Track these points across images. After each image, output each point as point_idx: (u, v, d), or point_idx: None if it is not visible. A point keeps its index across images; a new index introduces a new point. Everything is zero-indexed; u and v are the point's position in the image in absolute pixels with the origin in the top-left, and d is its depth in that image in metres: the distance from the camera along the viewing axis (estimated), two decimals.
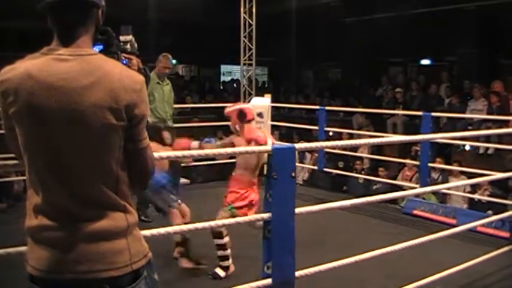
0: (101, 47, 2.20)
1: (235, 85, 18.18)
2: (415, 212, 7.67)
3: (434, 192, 8.62)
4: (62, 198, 1.98)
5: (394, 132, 12.51)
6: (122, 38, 2.36)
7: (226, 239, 5.05)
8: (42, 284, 1.99)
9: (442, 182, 9.30)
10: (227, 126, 12.02)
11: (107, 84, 1.96)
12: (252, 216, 3.50)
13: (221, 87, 21.03)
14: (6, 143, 2.12)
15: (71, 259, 1.96)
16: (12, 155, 2.16)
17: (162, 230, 3.16)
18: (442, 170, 9.69)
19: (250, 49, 11.56)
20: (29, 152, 1.99)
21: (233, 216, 4.83)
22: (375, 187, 10.28)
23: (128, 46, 2.40)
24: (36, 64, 1.95)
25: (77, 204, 1.98)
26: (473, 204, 8.93)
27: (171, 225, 4.53)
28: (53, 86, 1.91)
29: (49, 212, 1.98)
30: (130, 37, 2.40)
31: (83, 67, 1.96)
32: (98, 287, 1.99)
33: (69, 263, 1.96)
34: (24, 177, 2.18)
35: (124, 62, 2.19)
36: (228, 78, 22.47)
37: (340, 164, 11.12)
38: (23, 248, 2.13)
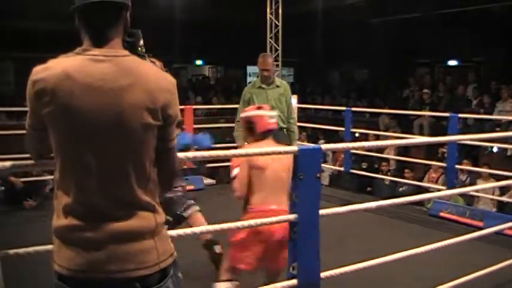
0: None
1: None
2: (442, 214, 7.61)
3: (462, 195, 8.55)
4: (97, 198, 2.00)
5: (421, 133, 12.44)
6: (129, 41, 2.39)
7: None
8: (72, 283, 2.02)
9: (470, 184, 9.22)
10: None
11: (144, 85, 2.00)
12: (278, 218, 3.50)
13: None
14: (26, 143, 2.15)
15: (102, 259, 1.99)
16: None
17: (188, 231, 3.19)
18: (470, 172, 9.61)
19: (276, 50, 11.56)
20: (64, 153, 2.01)
21: None
22: (401, 189, 10.23)
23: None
24: (73, 64, 1.97)
25: (110, 204, 2.01)
26: (501, 207, 8.84)
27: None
28: (91, 86, 1.94)
29: (80, 212, 2.01)
30: (141, 42, 2.43)
31: (120, 68, 2.00)
32: (128, 286, 2.03)
33: (99, 262, 1.99)
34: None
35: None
36: (255, 79, 22.50)
37: (364, 165, 11.08)
38: (50, 246, 2.15)
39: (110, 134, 1.97)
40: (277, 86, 6.87)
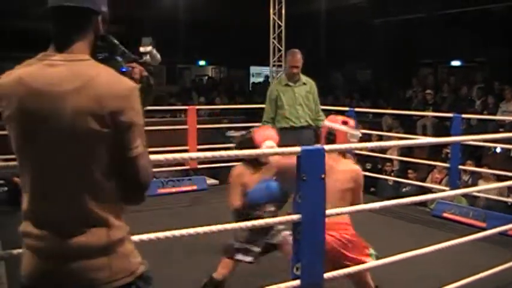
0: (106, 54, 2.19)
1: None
2: (445, 214, 7.61)
3: (465, 195, 8.55)
4: (47, 208, 1.97)
5: (424, 134, 12.44)
6: (141, 49, 2.35)
7: None
8: None
9: (473, 185, 9.22)
10: (256, 127, 12.09)
11: (91, 89, 1.92)
12: (282, 218, 3.50)
13: (250, 89, 21.08)
14: None
15: (51, 270, 1.97)
16: None
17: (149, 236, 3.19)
18: (473, 173, 9.61)
19: (279, 50, 11.58)
20: (19, 159, 2.01)
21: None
22: (404, 189, 10.22)
23: (148, 57, 2.36)
24: (29, 70, 1.97)
25: (60, 215, 1.97)
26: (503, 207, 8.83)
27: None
28: (40, 91, 1.92)
29: (33, 219, 2.00)
30: (149, 48, 2.36)
31: (70, 73, 1.94)
32: None
33: (49, 273, 1.97)
34: None
35: (123, 69, 2.15)
36: (258, 80, 22.50)
37: (368, 166, 11.07)
38: None
39: (56, 140, 1.92)
40: (304, 84, 6.82)
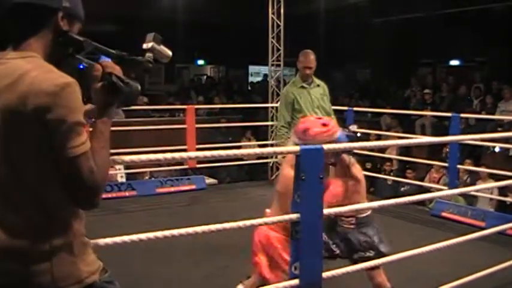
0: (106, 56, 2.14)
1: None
2: (444, 214, 7.62)
3: (463, 195, 8.56)
4: None
5: (423, 133, 12.44)
6: (144, 45, 2.29)
7: None
8: None
9: (471, 184, 9.23)
10: (254, 126, 12.04)
11: (18, 86, 1.84)
12: (280, 217, 3.50)
13: (249, 88, 21.07)
14: None
15: None
16: None
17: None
18: (471, 172, 9.62)
19: (278, 50, 11.55)
20: None
21: None
22: (402, 189, 10.23)
23: (150, 54, 2.29)
24: None
25: None
26: (500, 207, 8.84)
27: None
28: None
29: None
30: (151, 44, 2.29)
31: (9, 70, 1.89)
32: None
33: None
34: None
35: (80, 66, 2.08)
36: (256, 79, 22.49)
37: (368, 165, 11.07)
38: None
39: None
40: (318, 85, 6.59)
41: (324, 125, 3.80)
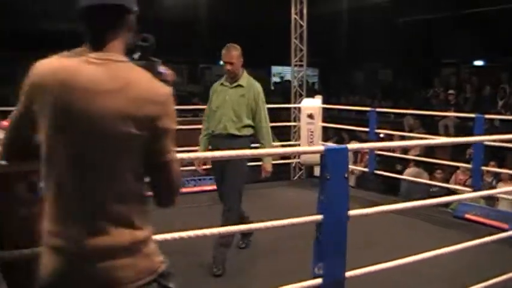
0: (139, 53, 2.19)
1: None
2: (467, 216, 7.55)
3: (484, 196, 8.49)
4: (70, 206, 1.96)
5: (446, 134, 12.39)
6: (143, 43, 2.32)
7: None
8: None
9: (493, 187, 9.16)
10: (278, 127, 12.07)
11: (130, 92, 1.94)
12: (304, 218, 3.51)
13: (272, 88, 21.09)
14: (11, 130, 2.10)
15: (73, 270, 1.96)
16: None
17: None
18: (495, 174, 9.54)
19: (301, 50, 11.55)
20: (46, 151, 1.96)
21: None
22: (431, 190, 10.15)
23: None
24: (64, 64, 1.97)
25: (85, 213, 1.96)
26: None
27: None
28: (76, 87, 1.91)
29: (56, 218, 1.98)
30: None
31: (109, 72, 1.95)
32: None
33: (71, 273, 1.96)
34: None
35: (159, 71, 2.16)
36: (279, 80, 22.49)
37: (398, 167, 11.01)
38: None
39: (88, 137, 1.92)
40: (241, 86, 5.74)
41: None
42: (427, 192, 10.18)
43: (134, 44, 2.13)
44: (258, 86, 5.81)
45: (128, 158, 1.97)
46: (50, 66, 1.96)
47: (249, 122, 5.63)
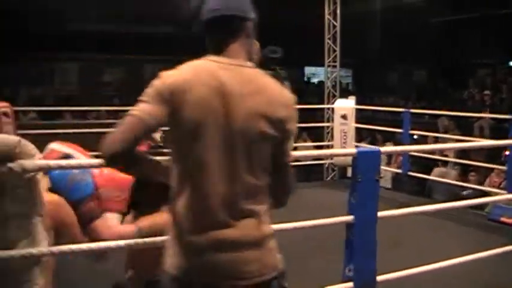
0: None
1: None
2: (502, 219, 7.46)
3: None
4: (210, 201, 2.06)
5: (481, 135, 12.24)
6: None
7: None
8: (179, 284, 2.11)
9: None
10: (311, 128, 12.06)
11: (265, 95, 2.11)
12: (335, 219, 3.51)
13: (305, 89, 21.07)
14: (125, 131, 2.08)
15: (206, 263, 2.07)
16: None
17: None
18: None
19: (334, 51, 11.52)
20: (182, 151, 2.09)
21: None
22: (464, 192, 10.03)
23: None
24: (202, 70, 2.11)
25: (222, 209, 2.07)
26: None
27: None
28: (217, 90, 2.05)
29: (189, 213, 2.08)
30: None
31: (243, 77, 2.12)
32: None
33: (205, 265, 2.07)
34: None
35: (284, 82, 2.33)
36: (312, 80, 22.45)
37: (437, 171, 10.90)
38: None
39: (230, 137, 2.05)
40: None
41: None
42: (453, 193, 10.07)
43: (265, 55, 2.31)
44: None
45: (261, 156, 2.12)
46: (184, 75, 2.10)
47: None
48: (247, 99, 2.07)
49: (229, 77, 2.08)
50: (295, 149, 11.09)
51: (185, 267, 2.08)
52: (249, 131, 2.06)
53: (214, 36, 2.18)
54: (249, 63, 2.18)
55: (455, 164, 10.84)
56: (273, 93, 2.15)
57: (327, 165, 10.60)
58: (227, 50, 2.16)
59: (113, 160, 2.09)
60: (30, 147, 2.18)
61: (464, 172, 10.56)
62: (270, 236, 2.19)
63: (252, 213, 2.11)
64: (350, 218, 3.35)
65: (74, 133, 8.51)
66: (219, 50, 2.16)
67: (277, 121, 2.10)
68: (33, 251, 2.29)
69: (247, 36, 2.22)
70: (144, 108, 2.06)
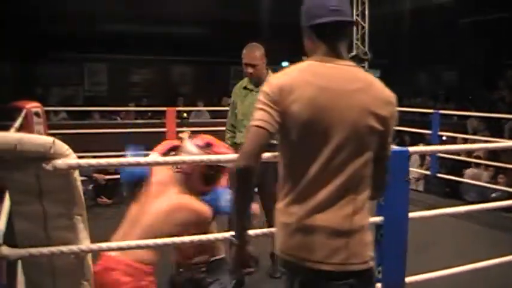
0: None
1: None
2: None
3: None
4: (325, 191, 2.24)
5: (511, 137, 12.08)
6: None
7: None
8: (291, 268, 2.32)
9: None
10: None
11: (372, 92, 2.30)
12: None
13: None
14: (252, 142, 2.25)
15: (340, 247, 2.25)
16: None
17: None
18: None
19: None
20: (299, 145, 2.25)
21: None
22: (493, 194, 9.92)
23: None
24: (310, 70, 2.30)
25: (339, 199, 2.26)
26: None
27: None
28: (328, 88, 2.23)
29: (317, 206, 2.25)
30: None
31: (350, 74, 2.30)
32: (345, 279, 2.27)
33: (339, 250, 2.25)
34: None
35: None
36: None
37: (467, 172, 10.80)
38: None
39: (343, 131, 2.22)
40: None
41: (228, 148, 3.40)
42: (483, 195, 9.96)
43: (358, 55, 2.49)
44: None
45: (369, 149, 2.29)
46: (296, 74, 2.30)
47: None
48: (355, 96, 2.24)
49: (337, 76, 2.26)
50: None
51: (322, 252, 2.24)
52: (358, 125, 2.23)
53: (327, 38, 2.32)
54: (352, 62, 2.35)
55: (487, 165, 10.71)
56: (378, 90, 2.32)
57: None
58: (336, 51, 2.32)
59: (243, 173, 2.24)
60: (64, 147, 2.21)
61: (493, 175, 10.44)
62: (366, 226, 2.36)
63: (363, 202, 2.31)
64: (379, 219, 3.34)
65: (102, 133, 8.62)
66: (328, 50, 2.32)
67: (382, 117, 2.27)
68: (74, 248, 2.33)
69: (349, 38, 2.39)
70: (262, 117, 2.24)
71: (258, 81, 5.02)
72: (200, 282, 3.45)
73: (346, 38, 2.40)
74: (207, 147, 3.24)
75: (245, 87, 5.19)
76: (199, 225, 3.13)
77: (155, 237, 2.81)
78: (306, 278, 2.27)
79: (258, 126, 2.22)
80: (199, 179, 3.19)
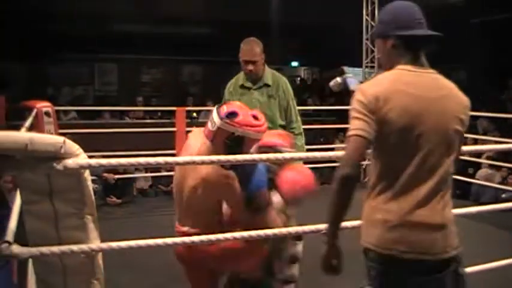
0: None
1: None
2: None
3: None
4: (413, 188, 2.45)
5: None
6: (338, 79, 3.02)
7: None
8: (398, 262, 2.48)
9: None
10: (347, 129, 12.05)
11: (454, 98, 2.57)
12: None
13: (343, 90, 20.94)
14: (351, 152, 2.42)
15: (438, 238, 2.49)
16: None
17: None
18: None
19: (372, 51, 11.48)
20: (397, 150, 2.46)
21: None
22: (503, 195, 9.88)
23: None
24: (400, 79, 2.51)
25: (435, 196, 2.48)
26: None
27: None
28: (419, 95, 2.46)
29: (417, 204, 2.45)
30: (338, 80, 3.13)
31: (435, 82, 2.56)
32: (446, 266, 2.52)
33: (437, 241, 2.49)
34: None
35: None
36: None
37: (470, 171, 10.76)
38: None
39: (436, 135, 2.45)
40: (267, 85, 4.92)
41: (255, 118, 3.36)
42: (495, 196, 9.91)
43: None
44: (285, 81, 5.03)
45: (455, 150, 2.56)
46: (386, 83, 2.49)
47: (283, 123, 4.97)
48: (442, 102, 2.49)
49: (425, 85, 2.50)
50: (332, 150, 11.05)
51: (421, 244, 2.46)
52: (448, 130, 2.48)
53: (415, 49, 2.59)
54: (433, 70, 2.59)
55: (500, 166, 10.65)
56: (458, 96, 2.59)
57: (364, 167, 10.55)
58: (420, 60, 2.58)
59: (345, 180, 2.41)
60: (75, 147, 2.22)
61: (507, 175, 10.38)
62: (453, 218, 2.60)
63: (449, 198, 2.54)
64: None
65: (112, 132, 8.65)
66: (414, 60, 2.56)
67: (463, 120, 2.54)
68: (85, 247, 2.34)
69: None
70: (360, 126, 2.42)
71: (256, 78, 4.90)
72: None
73: (427, 49, 2.63)
74: (227, 117, 3.25)
75: (242, 85, 4.99)
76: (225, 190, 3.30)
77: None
78: (406, 269, 2.45)
79: (357, 135, 2.40)
80: (222, 146, 3.28)
